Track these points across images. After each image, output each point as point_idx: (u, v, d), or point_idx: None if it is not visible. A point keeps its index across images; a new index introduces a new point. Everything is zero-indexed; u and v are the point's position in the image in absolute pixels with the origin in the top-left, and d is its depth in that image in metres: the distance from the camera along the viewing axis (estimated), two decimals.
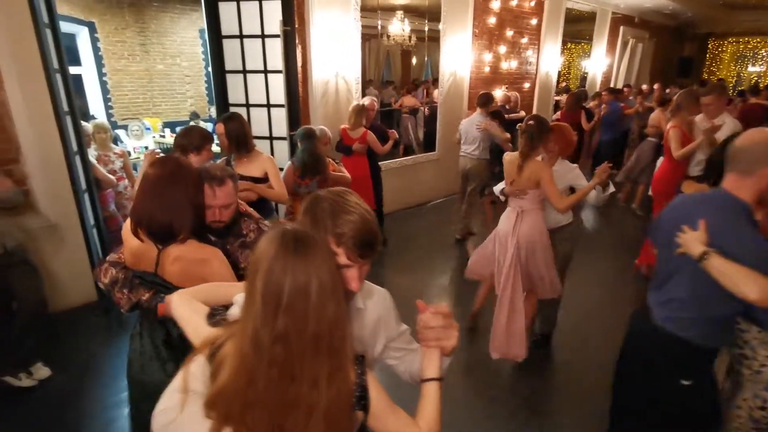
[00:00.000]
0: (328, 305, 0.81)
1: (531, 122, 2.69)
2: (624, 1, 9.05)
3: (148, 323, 1.60)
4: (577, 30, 9.22)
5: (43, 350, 2.84)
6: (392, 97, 7.58)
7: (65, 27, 6.93)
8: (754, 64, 13.25)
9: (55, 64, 3.25)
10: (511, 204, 2.80)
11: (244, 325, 0.82)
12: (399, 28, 6.60)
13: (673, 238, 1.50)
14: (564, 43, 8.51)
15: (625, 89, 8.16)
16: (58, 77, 3.27)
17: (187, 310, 1.15)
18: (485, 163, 4.69)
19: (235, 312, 1.05)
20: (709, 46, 13.68)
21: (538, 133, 2.66)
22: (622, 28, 9.99)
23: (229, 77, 3.97)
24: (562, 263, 2.91)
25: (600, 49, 9.44)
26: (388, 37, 6.71)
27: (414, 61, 7.87)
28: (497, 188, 2.92)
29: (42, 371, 2.72)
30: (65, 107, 3.34)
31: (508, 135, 4.45)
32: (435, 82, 6.51)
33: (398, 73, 8.13)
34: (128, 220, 1.53)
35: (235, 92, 4.01)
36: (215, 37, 3.85)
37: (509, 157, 2.83)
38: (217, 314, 1.11)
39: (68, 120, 3.37)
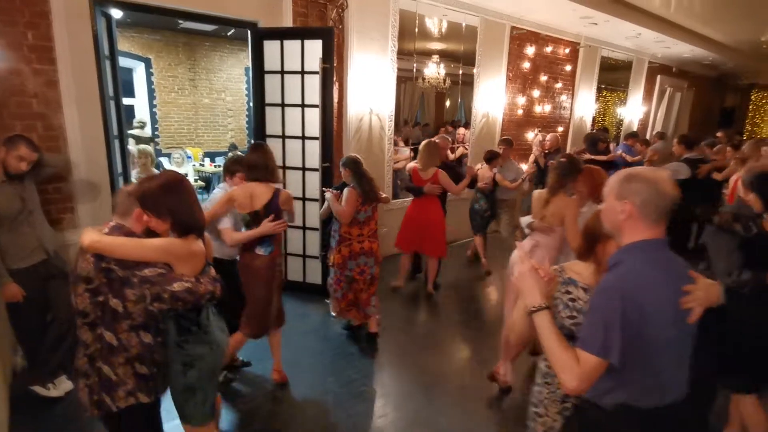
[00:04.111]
0: None
1: (563, 159, 2.72)
2: (662, 51, 9.02)
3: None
4: (614, 78, 9.23)
5: (69, 363, 2.90)
6: (419, 137, 7.66)
7: (124, 62, 7.50)
8: None
9: (111, 92, 3.51)
10: (529, 237, 2.86)
11: None
12: (434, 70, 6.80)
13: None
14: (599, 90, 8.51)
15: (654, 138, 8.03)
16: (112, 104, 3.53)
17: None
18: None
19: None
20: (753, 97, 13.35)
21: (568, 171, 2.68)
22: (659, 77, 9.93)
23: (268, 110, 4.15)
24: None
25: (636, 97, 9.38)
26: (424, 79, 6.91)
27: (448, 103, 8.05)
28: (524, 220, 2.92)
29: (65, 384, 2.77)
30: (115, 132, 3.57)
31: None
32: (467, 125, 6.59)
33: (432, 115, 8.30)
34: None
35: (272, 124, 4.17)
36: (258, 72, 4.07)
37: (537, 194, 2.88)
38: None
39: (116, 144, 3.60)
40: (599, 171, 2.88)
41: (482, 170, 5.00)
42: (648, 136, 9.06)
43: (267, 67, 4.04)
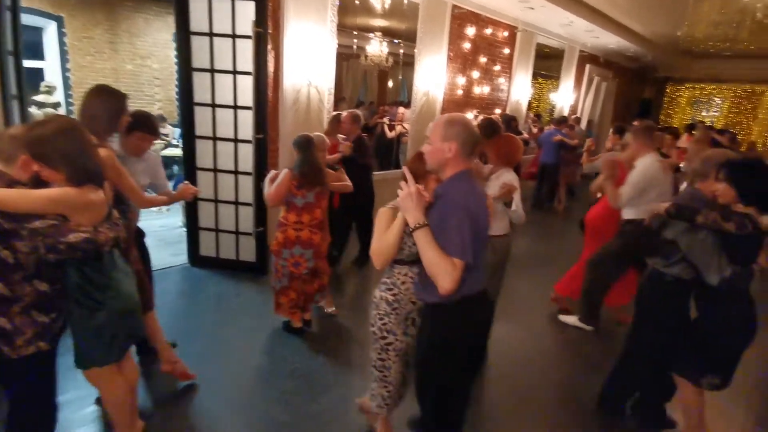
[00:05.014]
0: None
1: (480, 122, 2.79)
2: (591, 41, 9.53)
3: None
4: (548, 65, 9.63)
5: None
6: (366, 116, 7.57)
7: (32, 20, 6.68)
8: (708, 110, 14.11)
9: (10, 47, 3.08)
10: None
11: None
12: (377, 48, 6.69)
13: None
14: (535, 76, 8.84)
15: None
16: (11, 61, 3.10)
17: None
18: None
19: None
20: (668, 90, 14.52)
21: (483, 133, 2.73)
22: (588, 66, 10.49)
23: (196, 76, 3.86)
24: (492, 270, 2.83)
25: (567, 84, 9.86)
26: (366, 57, 6.79)
27: (391, 83, 7.98)
28: None
29: None
30: (14, 91, 3.15)
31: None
32: (409, 104, 6.58)
33: (375, 94, 8.20)
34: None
35: (201, 91, 3.90)
36: (184, 32, 3.76)
37: None
38: None
39: (15, 105, 3.18)
40: (514, 139, 2.97)
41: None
42: (584, 125, 9.62)
43: (194, 27, 3.74)
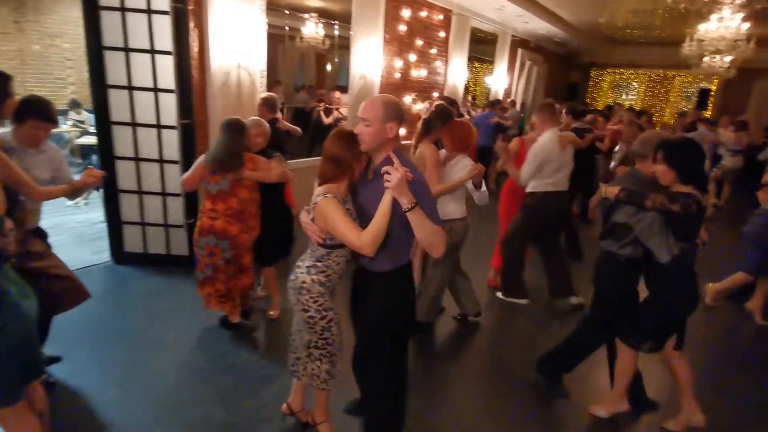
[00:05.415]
0: None
1: (434, 108, 2.80)
2: (522, 26, 9.85)
3: None
4: (483, 49, 9.85)
5: None
6: (313, 99, 7.35)
7: None
8: (627, 93, 15.17)
9: None
10: None
11: None
12: (313, 30, 6.48)
13: None
14: (471, 60, 9.00)
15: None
16: None
17: None
18: None
19: None
20: (592, 74, 15.42)
21: (435, 118, 2.80)
22: (520, 50, 10.86)
23: (109, 55, 3.52)
24: (448, 251, 2.94)
25: (501, 68, 10.15)
26: (302, 39, 6.56)
27: (329, 66, 7.79)
28: None
29: None
30: None
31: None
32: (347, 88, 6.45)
33: (313, 78, 7.97)
34: None
35: (115, 72, 3.56)
36: (91, 7, 3.39)
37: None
38: None
39: None
40: (468, 124, 3.02)
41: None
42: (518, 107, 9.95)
43: (103, 1, 3.39)
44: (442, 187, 2.79)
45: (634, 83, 15.03)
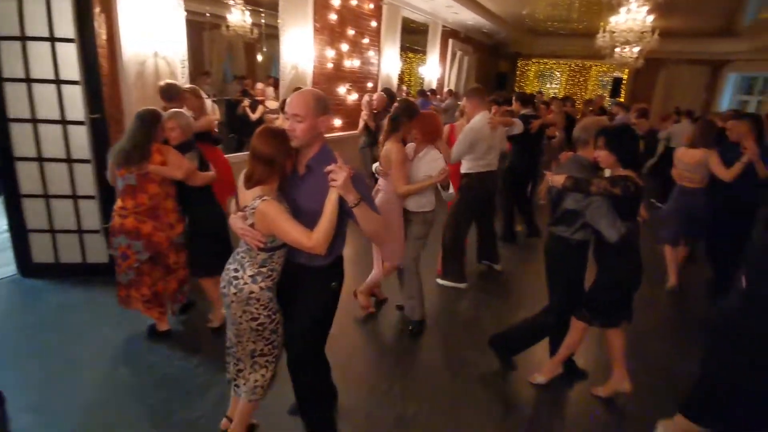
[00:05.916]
0: None
1: (397, 105, 2.84)
2: (452, 17, 10.05)
3: None
4: (416, 39, 9.93)
5: None
6: (238, 92, 7.00)
7: None
8: (551, 83, 16.05)
9: None
10: (379, 182, 3.00)
11: None
12: (239, 17, 6.15)
13: None
14: (404, 50, 9.04)
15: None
16: None
17: None
18: None
19: None
20: (519, 64, 16.12)
21: (399, 114, 2.82)
22: (450, 41, 11.08)
23: (3, 46, 3.11)
24: (415, 242, 3.05)
25: (433, 58, 10.30)
26: (228, 27, 6.21)
27: (260, 57, 7.46)
28: (375, 167, 3.02)
29: None
30: None
31: None
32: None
33: (243, 68, 7.60)
34: None
35: (10, 64, 3.15)
36: None
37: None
38: None
39: None
40: (435, 116, 3.04)
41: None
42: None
43: None
44: (411, 188, 2.85)
45: (557, 72, 15.92)
